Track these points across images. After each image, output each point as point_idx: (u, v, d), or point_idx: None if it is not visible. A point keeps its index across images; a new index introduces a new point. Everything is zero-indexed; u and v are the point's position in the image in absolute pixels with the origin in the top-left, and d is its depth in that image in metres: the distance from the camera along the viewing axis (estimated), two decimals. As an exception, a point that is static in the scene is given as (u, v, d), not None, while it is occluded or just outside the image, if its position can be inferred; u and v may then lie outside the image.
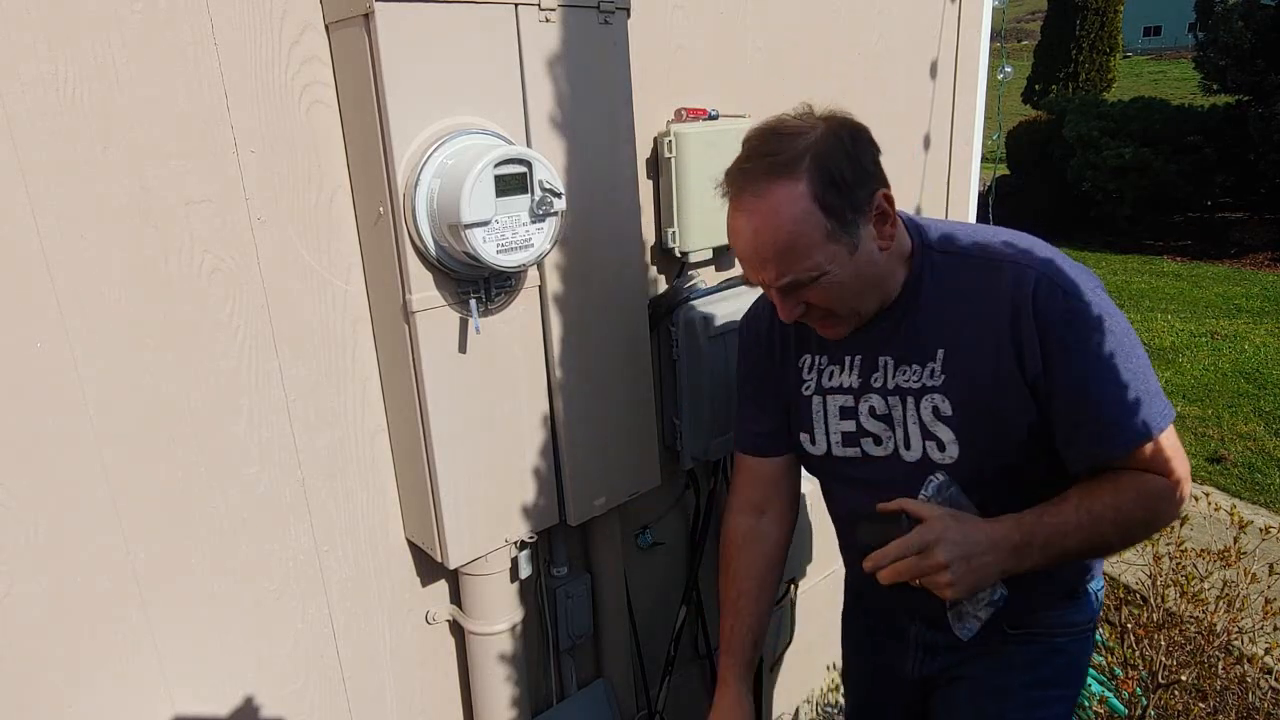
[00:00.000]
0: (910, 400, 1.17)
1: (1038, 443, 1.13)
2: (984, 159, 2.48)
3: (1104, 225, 10.21)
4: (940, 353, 1.15)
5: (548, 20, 1.22)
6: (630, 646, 1.75)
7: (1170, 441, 1.09)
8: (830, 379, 1.25)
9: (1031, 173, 11.14)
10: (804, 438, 1.29)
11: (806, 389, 1.28)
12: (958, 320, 1.14)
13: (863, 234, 1.08)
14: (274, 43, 1.12)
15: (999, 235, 1.17)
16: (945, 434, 1.15)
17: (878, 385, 1.20)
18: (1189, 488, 1.11)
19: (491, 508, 1.33)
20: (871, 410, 1.21)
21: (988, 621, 1.20)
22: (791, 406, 1.31)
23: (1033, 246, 1.13)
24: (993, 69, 2.49)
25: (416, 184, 1.12)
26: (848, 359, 1.23)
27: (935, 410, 1.15)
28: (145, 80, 1.03)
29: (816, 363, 1.27)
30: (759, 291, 1.38)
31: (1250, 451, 4.66)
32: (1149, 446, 1.07)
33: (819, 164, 1.04)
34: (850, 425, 1.23)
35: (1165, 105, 10.22)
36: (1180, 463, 1.10)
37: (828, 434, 1.26)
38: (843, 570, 1.45)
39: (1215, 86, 9.85)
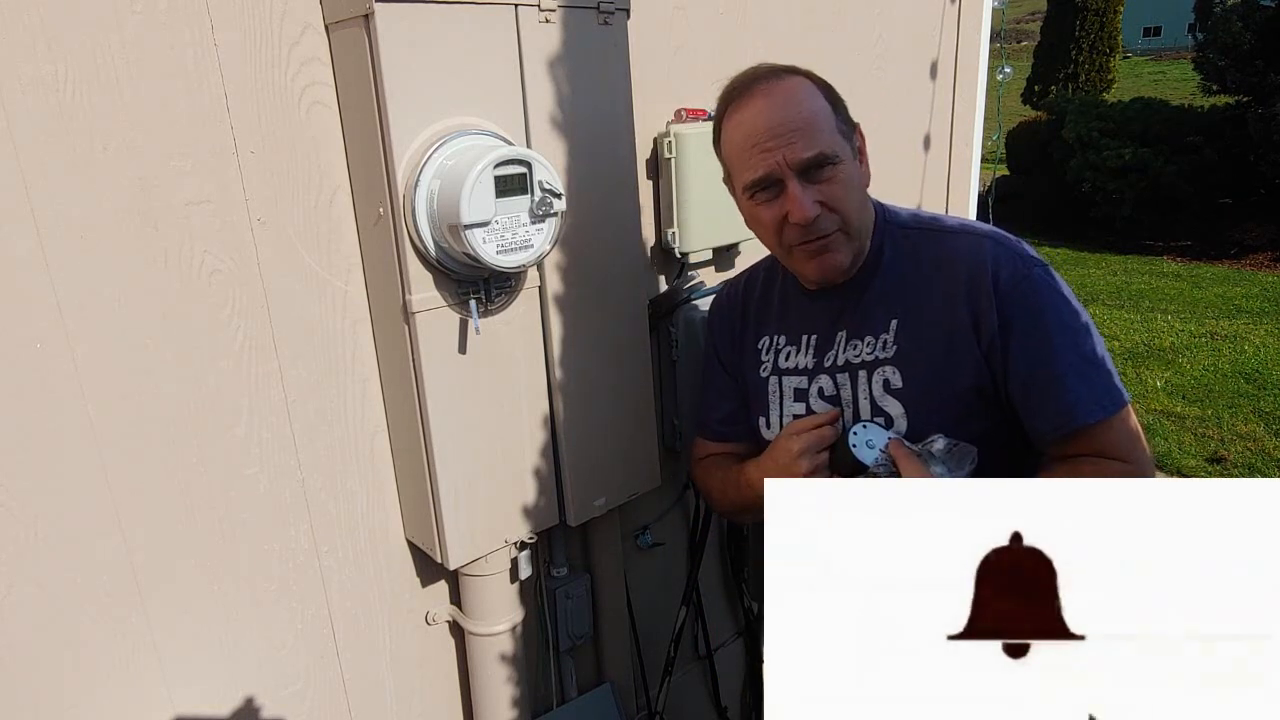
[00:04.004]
0: (862, 375, 1.17)
1: (986, 418, 1.11)
2: (984, 159, 2.48)
3: (1104, 226, 10.20)
4: (894, 323, 1.15)
5: (548, 21, 1.23)
6: (630, 647, 1.75)
7: (1134, 424, 1.07)
8: (786, 360, 1.26)
9: (1031, 173, 11.15)
10: (761, 421, 1.29)
11: (764, 370, 1.28)
12: (912, 289, 1.15)
13: (854, 148, 1.14)
14: (274, 43, 1.12)
15: (961, 220, 1.21)
16: (894, 408, 1.13)
17: (829, 364, 1.20)
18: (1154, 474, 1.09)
19: (491, 508, 1.33)
20: (820, 391, 1.21)
21: None
22: (748, 390, 1.31)
23: (994, 230, 1.16)
24: (993, 69, 2.49)
25: (416, 185, 1.12)
26: (805, 338, 1.24)
27: (886, 384, 1.15)
28: (145, 81, 1.03)
29: (775, 343, 1.28)
30: None
31: (1250, 452, 4.65)
32: (1117, 422, 1.05)
33: (814, 78, 1.13)
34: (801, 408, 1.24)
35: (1165, 105, 10.22)
36: (1144, 448, 1.08)
37: (781, 417, 1.26)
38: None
39: (1215, 87, 9.83)
